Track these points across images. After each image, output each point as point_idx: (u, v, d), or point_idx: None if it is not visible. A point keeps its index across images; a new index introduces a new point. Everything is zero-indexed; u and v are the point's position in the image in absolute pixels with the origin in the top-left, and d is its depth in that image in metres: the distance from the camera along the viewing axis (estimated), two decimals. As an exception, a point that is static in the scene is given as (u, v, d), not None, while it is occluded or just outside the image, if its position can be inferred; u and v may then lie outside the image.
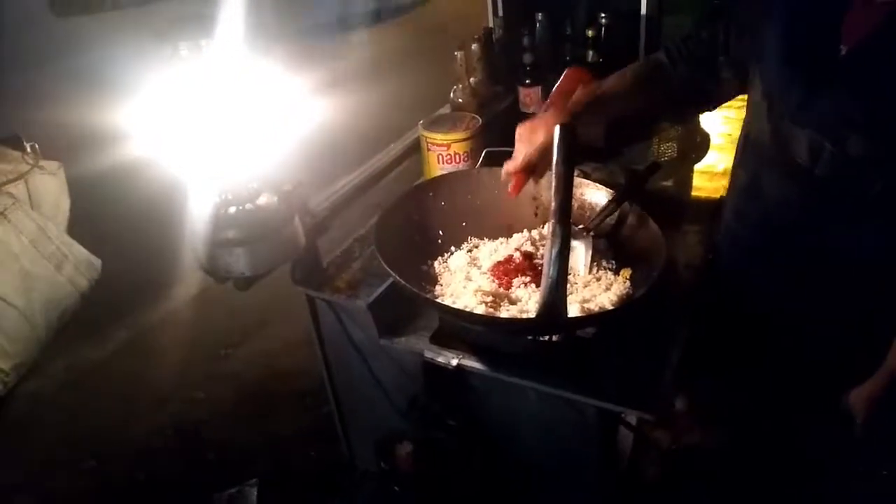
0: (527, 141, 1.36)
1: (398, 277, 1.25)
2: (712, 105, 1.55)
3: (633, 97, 1.50)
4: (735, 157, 1.54)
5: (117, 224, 2.24)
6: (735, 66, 1.39)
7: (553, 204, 1.10)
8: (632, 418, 1.32)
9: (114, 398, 2.54)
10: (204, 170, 1.24)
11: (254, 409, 2.46)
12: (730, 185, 1.53)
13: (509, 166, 1.40)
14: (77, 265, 1.99)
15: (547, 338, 1.26)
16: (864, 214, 1.24)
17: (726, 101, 1.53)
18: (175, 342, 2.72)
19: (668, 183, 1.76)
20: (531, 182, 1.52)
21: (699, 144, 1.91)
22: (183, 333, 2.75)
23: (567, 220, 1.10)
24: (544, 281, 1.10)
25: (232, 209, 1.26)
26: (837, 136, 1.19)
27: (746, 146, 1.45)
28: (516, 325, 1.25)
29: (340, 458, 1.84)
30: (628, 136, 1.80)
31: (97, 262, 2.18)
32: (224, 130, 1.21)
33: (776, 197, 1.35)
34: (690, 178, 1.83)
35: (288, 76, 1.24)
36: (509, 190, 1.41)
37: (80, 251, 1.99)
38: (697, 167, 1.86)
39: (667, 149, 1.92)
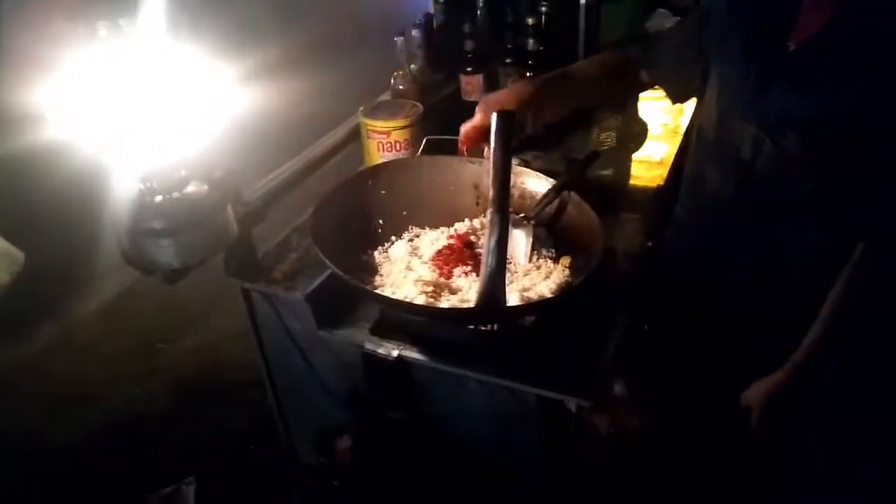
0: (487, 105, 1.34)
1: (335, 268, 1.22)
2: (677, 99, 1.57)
3: (600, 85, 1.54)
4: (683, 150, 1.57)
5: (40, 214, 2.12)
6: (703, 61, 1.40)
7: (491, 192, 1.09)
8: (572, 405, 1.33)
9: (42, 397, 2.42)
10: (128, 156, 1.17)
11: (192, 404, 2.38)
12: (682, 178, 1.56)
13: (465, 126, 1.39)
14: (-3, 258, 1.88)
15: (487, 327, 1.26)
16: (799, 215, 1.25)
17: (687, 99, 1.56)
18: (107, 337, 2.60)
19: (608, 172, 1.77)
20: (471, 170, 1.51)
21: (638, 134, 1.93)
22: (115, 327, 2.63)
23: (505, 209, 1.09)
24: (483, 270, 1.09)
25: (158, 198, 1.20)
26: (778, 132, 1.20)
27: (695, 139, 1.47)
28: (456, 315, 1.23)
29: (282, 452, 1.80)
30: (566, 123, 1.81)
31: (19, 254, 2.06)
32: (147, 115, 1.15)
33: (718, 192, 1.37)
34: (629, 167, 1.85)
35: (217, 59, 1.18)
36: (460, 145, 1.41)
37: (1, 243, 1.88)
38: (636, 156, 1.89)
39: (606, 138, 1.94)
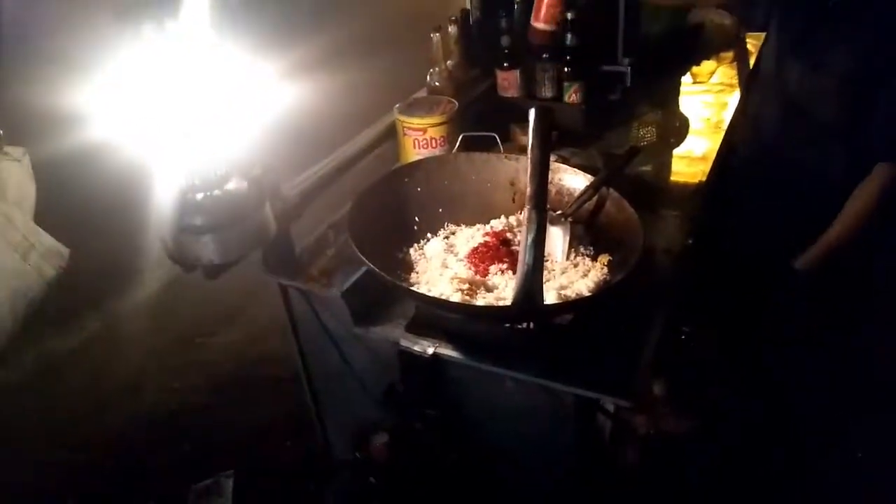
0: None
1: (372, 265, 1.22)
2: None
3: None
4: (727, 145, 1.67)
5: (84, 211, 2.17)
6: None
7: (529, 189, 1.08)
8: (609, 405, 1.31)
9: (85, 388, 2.49)
10: (171, 154, 1.19)
11: (229, 398, 2.42)
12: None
13: None
14: (44, 253, 1.93)
15: (524, 325, 1.24)
16: (832, 139, 1.57)
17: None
18: (148, 331, 2.66)
19: (647, 168, 1.74)
20: (508, 166, 1.50)
21: (678, 129, 1.90)
22: (156, 322, 2.69)
23: (543, 206, 1.07)
24: (520, 267, 1.08)
25: (199, 195, 1.22)
26: (819, 70, 1.53)
27: (757, 84, 1.82)
28: (492, 313, 1.23)
29: (317, 448, 1.82)
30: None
31: (64, 250, 2.11)
32: (191, 113, 1.16)
33: (770, 124, 1.71)
34: (669, 163, 1.82)
35: (257, 57, 1.19)
36: None
37: (47, 239, 1.92)
38: (676, 152, 1.85)
39: (646, 133, 1.91)
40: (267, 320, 2.61)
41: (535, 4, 1.83)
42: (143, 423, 2.35)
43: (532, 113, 1.06)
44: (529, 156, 1.07)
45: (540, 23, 1.84)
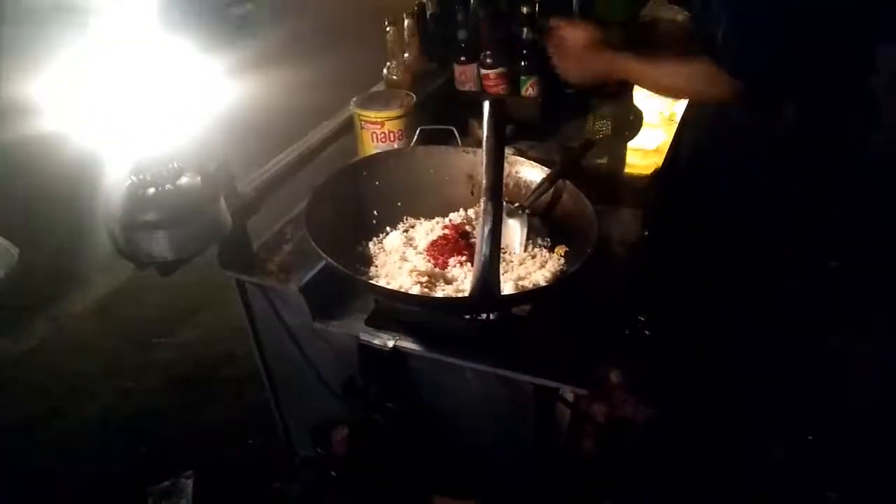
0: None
1: (330, 259, 1.22)
2: None
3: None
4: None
5: (32, 209, 2.11)
6: None
7: (484, 180, 1.09)
8: (568, 394, 1.33)
9: (38, 393, 2.42)
10: (120, 149, 1.16)
11: (188, 398, 2.37)
12: None
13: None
14: (-10, 253, 1.88)
15: (482, 316, 1.25)
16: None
17: None
18: (102, 332, 2.60)
19: (603, 160, 1.77)
20: (466, 159, 1.51)
21: (633, 122, 1.92)
22: (110, 322, 2.63)
23: (499, 197, 1.08)
24: (477, 259, 1.09)
25: (151, 190, 1.19)
26: None
27: None
28: (450, 304, 1.23)
29: (279, 445, 1.80)
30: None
31: (14, 249, 2.06)
32: (139, 107, 1.14)
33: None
34: (624, 156, 1.85)
35: (209, 50, 1.17)
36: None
37: (-4, 239, 1.87)
38: (631, 144, 1.88)
39: (601, 126, 1.93)
40: (225, 319, 2.57)
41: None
42: (95, 427, 2.30)
43: (486, 104, 1.07)
44: (484, 147, 1.08)
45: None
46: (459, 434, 1.41)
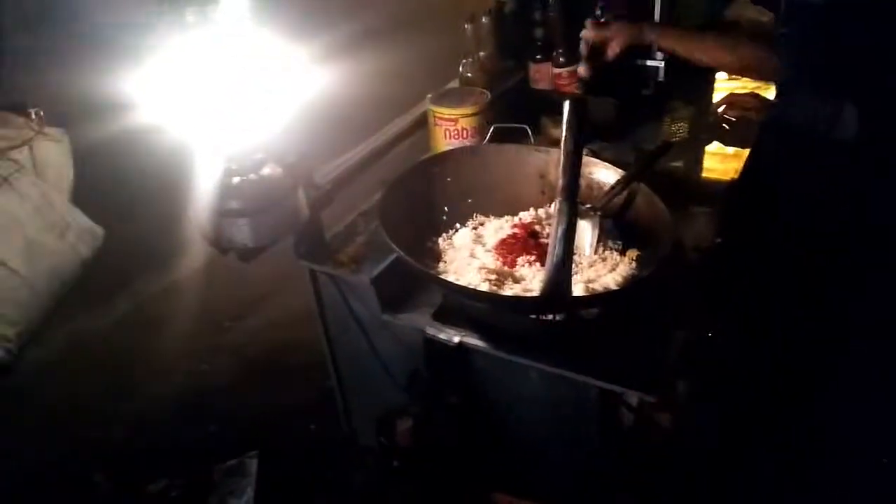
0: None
1: (402, 253, 1.24)
2: None
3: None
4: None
5: (121, 193, 2.21)
6: None
7: (560, 182, 1.08)
8: (633, 399, 1.31)
9: (116, 368, 2.54)
10: (209, 139, 1.22)
11: (256, 381, 2.45)
12: None
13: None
14: (80, 233, 1.98)
15: (550, 317, 1.25)
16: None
17: None
18: (178, 313, 2.70)
19: (678, 164, 1.73)
20: (538, 159, 1.50)
21: (711, 125, 1.88)
22: (186, 305, 2.73)
23: (574, 199, 1.08)
24: (549, 259, 1.09)
25: (236, 179, 1.24)
26: None
27: None
28: (520, 303, 1.23)
29: (341, 432, 1.84)
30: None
31: (99, 230, 2.16)
32: (229, 99, 1.19)
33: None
34: (701, 160, 1.81)
35: (293, 44, 1.21)
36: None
37: (83, 219, 1.97)
38: (709, 148, 1.84)
39: (678, 129, 1.90)
40: (296, 306, 2.61)
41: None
42: (170, 403, 2.40)
43: (566, 104, 1.07)
44: (562, 147, 1.08)
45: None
46: (521, 433, 1.42)
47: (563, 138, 1.08)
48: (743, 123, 1.78)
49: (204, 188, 1.24)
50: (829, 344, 1.47)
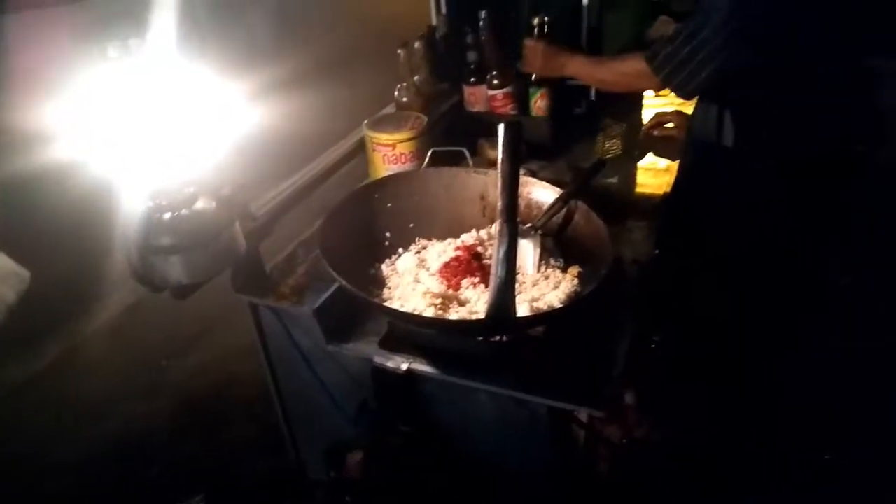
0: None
1: (345, 282, 1.22)
2: None
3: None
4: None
5: (45, 232, 2.12)
6: None
7: (500, 202, 1.09)
8: (583, 415, 1.32)
9: (47, 416, 2.40)
10: (136, 174, 1.17)
11: (198, 421, 2.36)
12: None
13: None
14: (3, 277, 1.88)
15: (497, 338, 1.25)
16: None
17: None
18: (112, 354, 2.59)
19: (613, 180, 1.77)
20: (478, 180, 1.52)
21: (642, 142, 1.94)
22: (120, 345, 2.62)
23: (514, 219, 1.08)
24: (493, 281, 1.09)
25: (167, 215, 1.20)
26: None
27: None
28: (466, 327, 1.23)
29: (290, 468, 1.79)
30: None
31: (25, 273, 2.05)
32: (156, 133, 1.15)
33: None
34: (634, 175, 1.85)
35: (225, 78, 1.19)
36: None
37: (6, 262, 1.88)
38: (641, 164, 1.89)
39: (611, 146, 1.95)
40: (236, 340, 2.54)
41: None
42: (108, 449, 2.29)
43: (501, 127, 1.08)
44: (499, 169, 1.08)
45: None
46: (475, 456, 1.40)
47: (500, 160, 1.08)
48: (670, 140, 1.85)
49: (133, 225, 1.19)
50: (767, 334, 1.52)
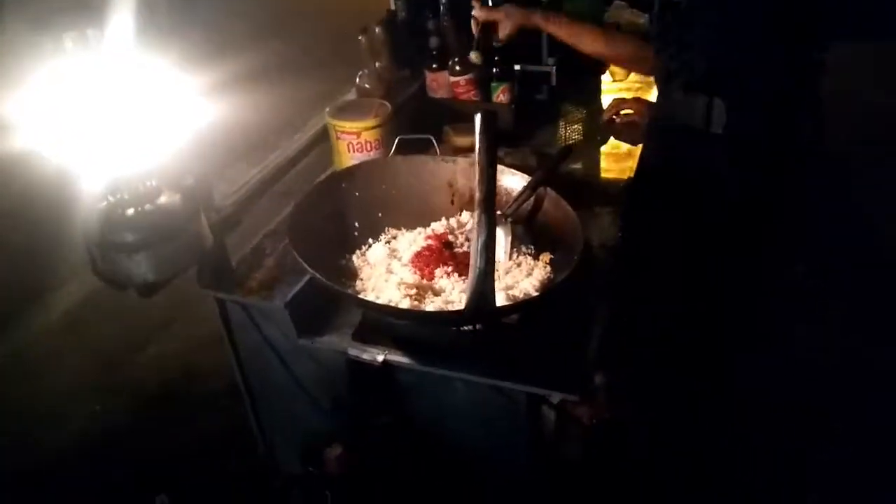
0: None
1: (318, 275, 1.20)
2: None
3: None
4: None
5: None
6: None
7: (478, 193, 1.09)
8: (555, 399, 1.34)
9: (8, 417, 2.30)
10: (94, 167, 1.12)
11: (160, 417, 2.30)
12: None
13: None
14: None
15: (474, 327, 1.25)
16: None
17: None
18: (66, 352, 2.50)
19: (577, 166, 1.79)
20: (446, 168, 1.51)
21: (603, 128, 1.96)
22: (74, 342, 2.53)
23: (492, 209, 1.08)
24: (472, 271, 1.08)
25: (129, 210, 1.15)
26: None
27: None
28: (446, 318, 1.23)
29: (261, 464, 1.76)
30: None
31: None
32: (116, 126, 1.10)
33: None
34: (598, 160, 1.88)
35: (183, 69, 1.14)
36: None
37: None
38: (603, 149, 1.91)
39: (572, 132, 1.96)
40: (194, 334, 2.49)
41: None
42: (66, 452, 2.21)
43: (478, 117, 1.07)
44: (477, 160, 1.08)
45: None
46: (452, 445, 1.41)
47: (477, 150, 1.08)
48: (632, 125, 1.88)
49: (94, 221, 1.14)
50: (733, 325, 1.57)
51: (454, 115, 1.89)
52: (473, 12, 1.75)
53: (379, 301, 1.25)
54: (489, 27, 1.75)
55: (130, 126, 1.11)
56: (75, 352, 2.44)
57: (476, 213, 1.08)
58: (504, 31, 1.73)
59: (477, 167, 1.07)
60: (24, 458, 2.20)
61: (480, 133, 1.06)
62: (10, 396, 2.38)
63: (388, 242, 1.47)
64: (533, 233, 1.47)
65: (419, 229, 1.50)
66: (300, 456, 1.35)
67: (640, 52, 1.68)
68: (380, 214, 1.51)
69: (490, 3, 1.77)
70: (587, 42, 1.72)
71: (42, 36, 1.01)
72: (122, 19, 1.04)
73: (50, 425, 2.31)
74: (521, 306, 1.26)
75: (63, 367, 2.38)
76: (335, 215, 1.46)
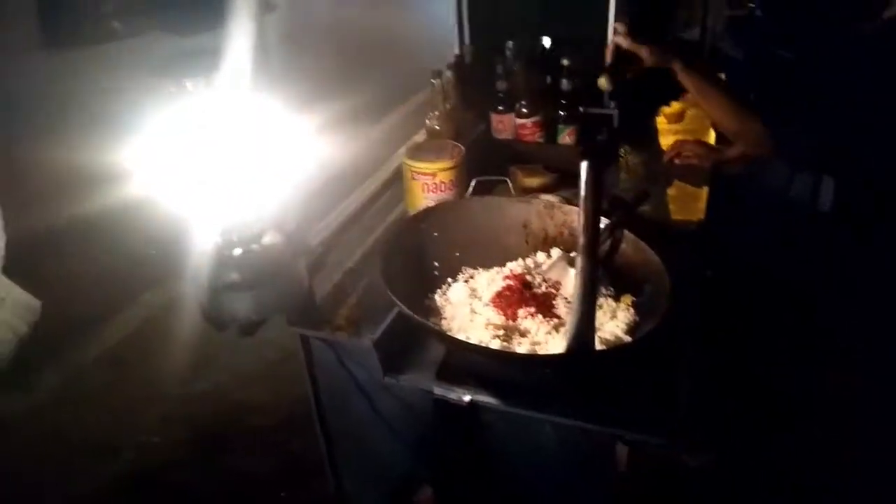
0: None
1: (416, 317, 1.22)
2: None
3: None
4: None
5: (56, 260, 2.06)
6: None
7: (581, 239, 1.11)
8: (652, 442, 1.33)
9: (49, 452, 2.32)
10: (207, 210, 1.16)
11: (213, 450, 2.32)
12: None
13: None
14: (14, 308, 1.81)
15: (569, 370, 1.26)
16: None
17: None
18: (116, 382, 2.52)
19: (646, 208, 1.81)
20: (520, 209, 1.54)
21: (664, 171, 1.99)
22: (125, 374, 2.56)
23: (595, 257, 1.10)
24: (574, 317, 1.10)
25: (237, 251, 1.19)
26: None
27: None
28: (548, 361, 1.24)
29: (328, 499, 1.76)
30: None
31: (36, 303, 1.99)
32: (230, 168, 1.14)
33: None
34: (665, 202, 1.89)
35: (293, 113, 1.18)
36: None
37: (19, 293, 1.81)
38: (670, 191, 1.93)
39: (633, 175, 1.99)
40: (243, 367, 2.52)
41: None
42: (119, 483, 2.22)
43: (584, 166, 1.09)
44: (581, 207, 1.10)
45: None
46: (537, 486, 1.41)
47: (582, 198, 1.10)
48: (692, 168, 1.91)
49: (204, 263, 1.17)
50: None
51: (518, 156, 1.93)
52: (616, 38, 1.75)
53: (471, 341, 1.26)
54: (625, 58, 1.76)
55: (247, 168, 1.15)
56: (127, 385, 2.46)
57: (579, 259, 1.10)
58: (645, 63, 1.74)
59: (581, 214, 1.10)
60: (73, 490, 2.22)
61: (586, 181, 1.09)
62: (61, 426, 2.41)
63: (467, 282, 1.49)
64: (611, 275, 1.49)
65: (496, 269, 1.52)
66: (387, 497, 1.35)
67: (765, 138, 1.68)
68: (457, 254, 1.53)
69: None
70: (713, 105, 1.75)
71: (161, 81, 1.04)
72: (237, 64, 1.09)
73: (102, 456, 2.33)
74: (620, 351, 1.27)
75: (114, 398, 2.40)
76: (416, 255, 1.49)
